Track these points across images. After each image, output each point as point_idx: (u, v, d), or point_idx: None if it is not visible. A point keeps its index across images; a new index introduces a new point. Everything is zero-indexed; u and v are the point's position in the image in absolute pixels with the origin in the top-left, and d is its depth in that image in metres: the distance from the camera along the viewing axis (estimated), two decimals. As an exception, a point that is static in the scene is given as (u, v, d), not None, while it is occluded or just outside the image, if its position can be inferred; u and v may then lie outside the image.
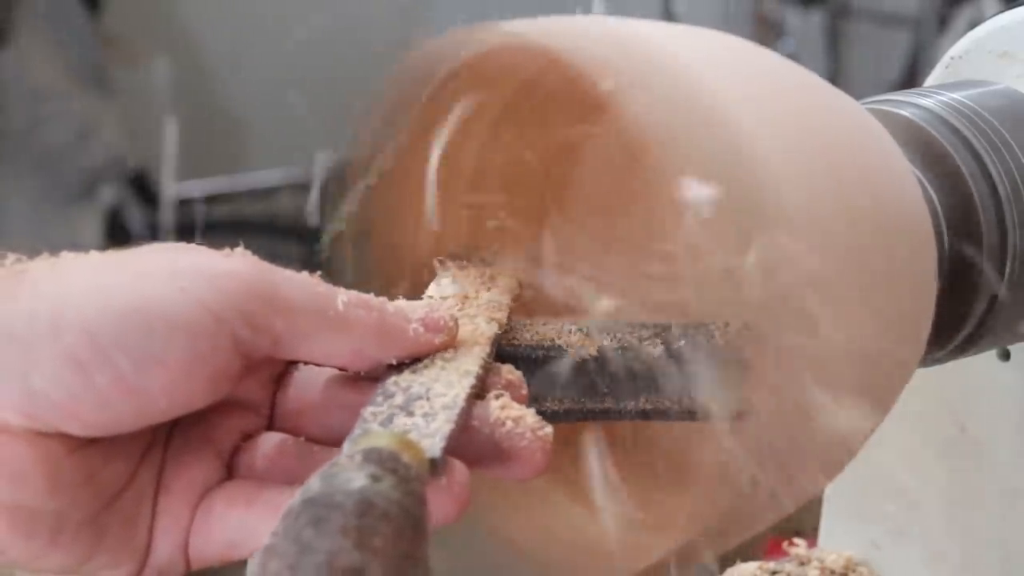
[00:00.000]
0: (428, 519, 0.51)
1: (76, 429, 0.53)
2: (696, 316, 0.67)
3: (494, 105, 0.68)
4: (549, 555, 0.65)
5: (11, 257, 0.56)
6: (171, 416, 0.55)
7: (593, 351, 0.63)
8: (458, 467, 0.54)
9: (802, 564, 0.85)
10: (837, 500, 0.86)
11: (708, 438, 0.62)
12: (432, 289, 0.66)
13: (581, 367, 0.62)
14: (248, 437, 0.58)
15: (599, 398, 0.63)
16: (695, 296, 0.69)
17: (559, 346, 0.63)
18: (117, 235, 2.79)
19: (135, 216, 2.96)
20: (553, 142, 0.71)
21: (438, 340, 0.58)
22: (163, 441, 0.57)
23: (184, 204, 3.19)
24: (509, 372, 0.60)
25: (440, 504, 0.53)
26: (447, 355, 0.59)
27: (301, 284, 0.56)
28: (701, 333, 0.63)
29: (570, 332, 0.64)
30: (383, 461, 0.51)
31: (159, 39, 3.22)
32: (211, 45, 3.38)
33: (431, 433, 0.54)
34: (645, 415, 0.63)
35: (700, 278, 0.69)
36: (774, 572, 0.85)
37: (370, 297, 0.58)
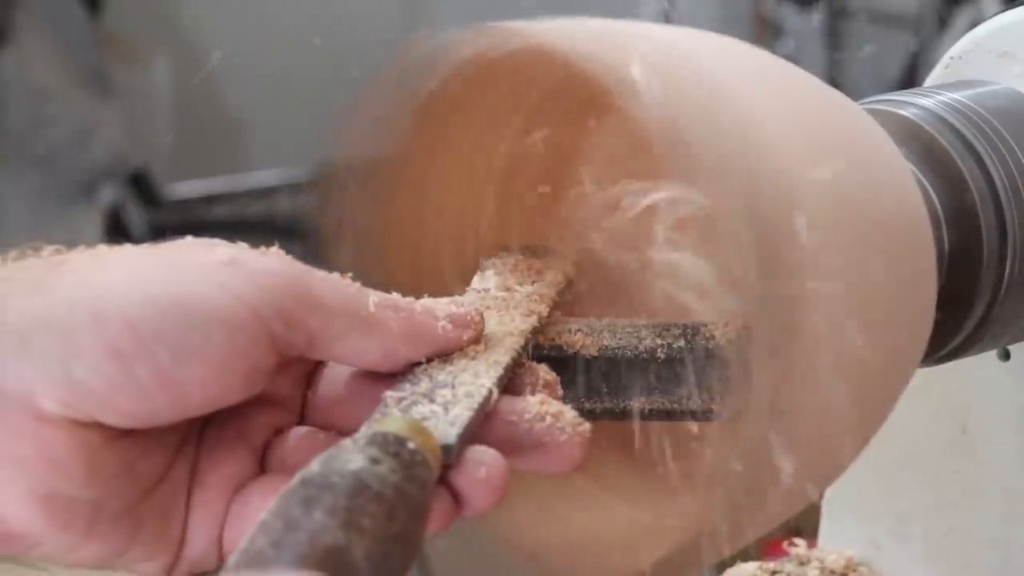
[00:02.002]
0: (430, 504, 0.52)
1: (114, 419, 0.54)
2: (696, 316, 0.68)
3: (496, 104, 0.68)
4: (549, 556, 0.65)
5: (48, 248, 0.57)
6: (207, 410, 0.56)
7: (594, 351, 0.63)
8: (496, 457, 0.55)
9: (802, 564, 0.85)
10: (837, 500, 0.86)
11: (708, 438, 0.62)
12: (475, 281, 0.66)
13: (582, 367, 0.62)
14: (280, 432, 0.59)
15: (600, 398, 0.63)
16: (695, 296, 0.69)
17: (559, 346, 0.64)
18: (117, 235, 2.79)
19: (135, 216, 2.96)
20: (557, 141, 0.71)
21: (466, 336, 0.59)
22: (197, 436, 0.58)
23: (184, 204, 3.19)
24: (546, 372, 0.60)
25: (478, 493, 0.54)
26: (479, 347, 0.60)
27: (334, 284, 0.57)
28: (701, 333, 0.63)
29: (571, 332, 0.64)
30: (387, 445, 0.51)
31: (159, 39, 3.22)
32: (211, 45, 3.38)
33: (450, 420, 0.55)
34: (646, 415, 0.63)
35: (700, 277, 0.69)
36: (774, 572, 0.85)
37: (398, 297, 0.58)
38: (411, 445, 0.52)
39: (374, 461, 0.51)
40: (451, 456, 0.54)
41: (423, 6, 3.29)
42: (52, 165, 2.73)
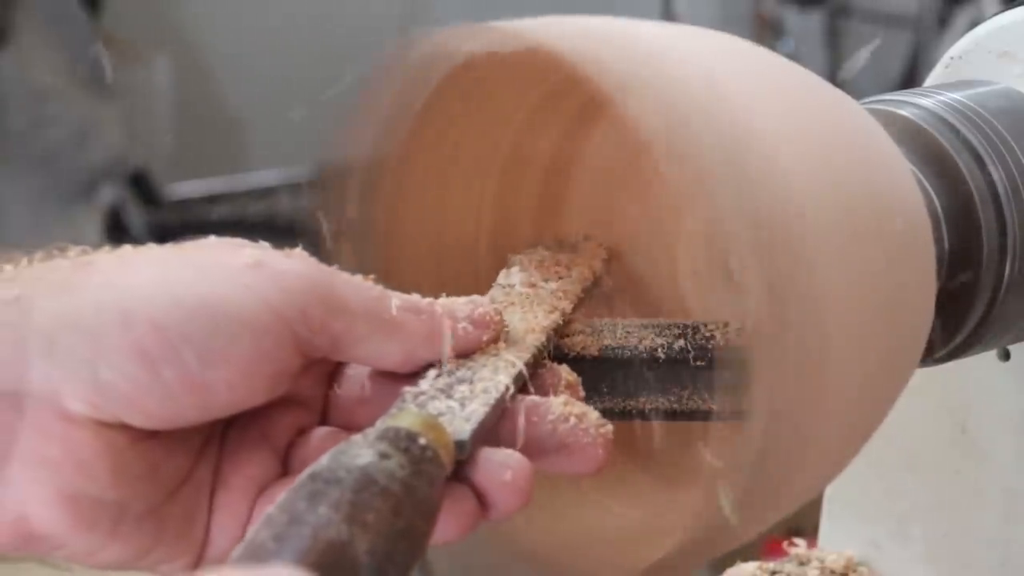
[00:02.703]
0: (439, 500, 0.52)
1: (140, 421, 0.54)
2: (696, 316, 0.68)
3: (497, 104, 0.68)
4: (549, 556, 0.65)
5: (74, 248, 0.57)
6: (232, 411, 0.56)
7: (594, 351, 0.63)
8: (521, 460, 0.55)
9: (802, 564, 0.85)
10: (837, 500, 0.86)
11: (707, 438, 0.62)
12: (501, 277, 0.66)
13: (582, 367, 0.62)
14: (302, 432, 0.59)
15: (600, 398, 0.63)
16: (695, 296, 0.69)
17: (559, 345, 0.64)
18: (117, 235, 2.79)
19: (135, 216, 2.96)
20: (558, 141, 0.71)
21: (485, 337, 0.59)
22: (219, 437, 0.58)
23: (184, 204, 3.19)
24: (568, 372, 0.61)
25: (503, 496, 0.54)
26: (499, 344, 0.60)
27: (357, 287, 0.57)
28: (701, 333, 0.63)
29: (572, 332, 0.64)
30: (397, 440, 0.52)
31: (159, 39, 3.22)
32: (211, 45, 3.38)
33: (465, 416, 0.55)
34: (645, 415, 0.63)
35: (700, 277, 0.69)
36: (774, 572, 0.85)
37: (419, 299, 0.59)
38: (422, 441, 0.52)
39: (383, 456, 0.51)
40: (464, 452, 0.54)
41: (423, 6, 3.29)
42: (52, 165, 2.73)
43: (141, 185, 3.00)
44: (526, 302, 0.63)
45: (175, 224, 3.05)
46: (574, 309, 0.65)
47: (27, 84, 2.72)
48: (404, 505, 0.50)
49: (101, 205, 2.82)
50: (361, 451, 0.51)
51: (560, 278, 0.66)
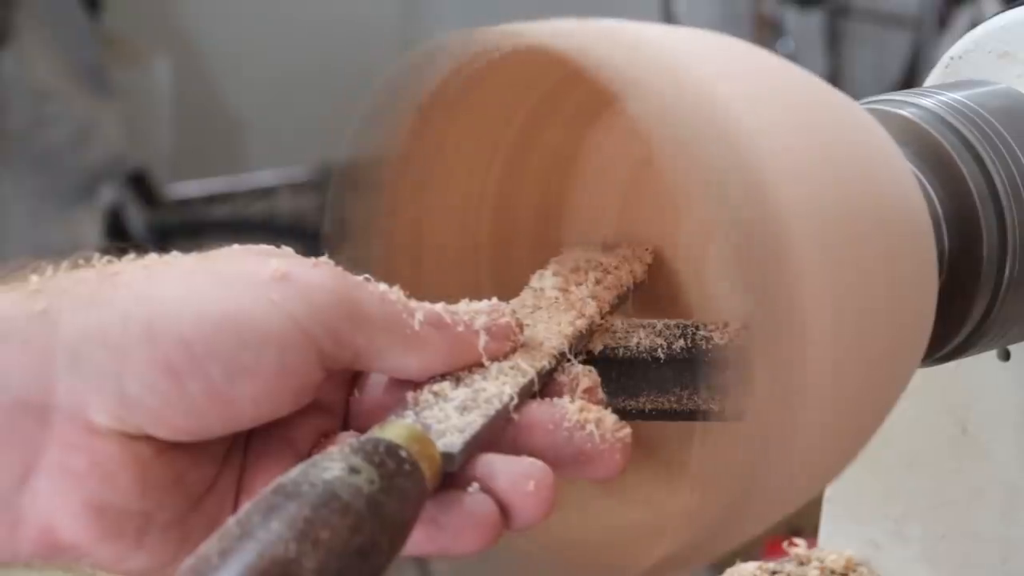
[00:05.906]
0: (412, 516, 0.51)
1: (164, 433, 0.54)
2: (696, 316, 0.68)
3: (497, 104, 0.68)
4: (550, 555, 0.65)
5: (100, 258, 0.57)
6: (256, 424, 0.56)
7: (595, 351, 0.63)
8: (544, 470, 0.55)
9: (802, 564, 0.85)
10: (837, 500, 0.86)
11: (708, 437, 0.62)
12: (534, 280, 0.65)
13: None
14: (325, 437, 0.59)
15: (599, 398, 0.63)
16: (695, 295, 0.70)
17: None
18: (117, 235, 2.79)
19: (135, 216, 2.96)
20: (558, 141, 0.71)
21: (504, 349, 0.59)
22: (243, 444, 0.58)
23: (184, 204, 3.19)
24: (586, 376, 0.60)
25: (527, 507, 0.54)
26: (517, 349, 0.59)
27: (382, 301, 0.57)
28: (701, 333, 0.63)
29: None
30: (373, 454, 0.51)
31: (159, 39, 3.23)
32: (211, 45, 3.38)
33: (460, 427, 0.54)
34: (646, 414, 0.63)
35: (701, 277, 0.69)
36: (774, 572, 0.85)
37: (442, 312, 0.58)
38: (403, 454, 0.51)
39: (352, 470, 0.50)
40: (454, 465, 0.53)
41: (423, 6, 3.29)
42: (52, 165, 2.73)
43: (141, 185, 3.01)
44: (554, 307, 0.63)
45: (175, 224, 3.05)
46: (606, 315, 0.64)
47: (27, 84, 2.72)
48: (366, 522, 0.49)
49: (101, 205, 2.82)
50: (331, 464, 0.50)
51: (597, 282, 0.65)
